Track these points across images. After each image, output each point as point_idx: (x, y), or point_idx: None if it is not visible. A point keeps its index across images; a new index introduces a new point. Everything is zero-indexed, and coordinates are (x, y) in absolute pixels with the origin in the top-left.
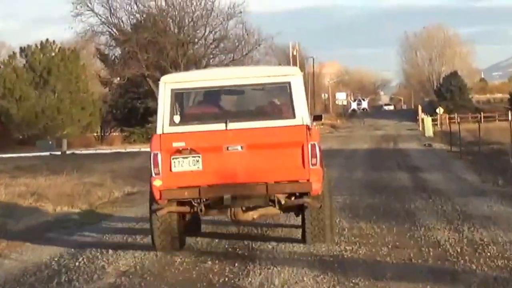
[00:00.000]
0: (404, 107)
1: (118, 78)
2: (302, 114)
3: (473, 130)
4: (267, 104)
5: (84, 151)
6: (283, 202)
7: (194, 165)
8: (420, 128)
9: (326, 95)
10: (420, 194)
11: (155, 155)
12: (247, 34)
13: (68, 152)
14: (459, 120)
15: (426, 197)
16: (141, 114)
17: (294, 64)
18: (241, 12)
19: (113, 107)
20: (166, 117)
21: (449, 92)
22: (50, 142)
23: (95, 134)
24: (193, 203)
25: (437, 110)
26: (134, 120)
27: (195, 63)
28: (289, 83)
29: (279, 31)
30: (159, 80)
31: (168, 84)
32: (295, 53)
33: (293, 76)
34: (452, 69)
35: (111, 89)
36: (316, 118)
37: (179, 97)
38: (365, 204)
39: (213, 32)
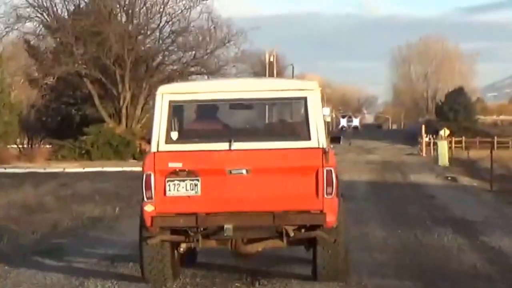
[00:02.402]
0: (395, 126)
1: (51, 78)
2: (319, 135)
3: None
4: (279, 122)
5: None
6: (292, 234)
7: (192, 189)
8: (424, 153)
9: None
10: None
11: (148, 177)
12: (214, 28)
13: None
14: (465, 144)
15: None
16: (77, 124)
17: (271, 72)
18: None
19: (42, 114)
20: (162, 133)
21: (453, 112)
22: None
23: (20, 146)
24: (189, 232)
25: (441, 132)
26: (69, 130)
27: (145, 61)
28: (305, 99)
29: (255, 26)
30: (98, 80)
31: (166, 95)
32: (272, 60)
33: (310, 92)
34: (450, 87)
35: (42, 91)
36: (334, 140)
37: (178, 110)
38: None
39: (170, 23)
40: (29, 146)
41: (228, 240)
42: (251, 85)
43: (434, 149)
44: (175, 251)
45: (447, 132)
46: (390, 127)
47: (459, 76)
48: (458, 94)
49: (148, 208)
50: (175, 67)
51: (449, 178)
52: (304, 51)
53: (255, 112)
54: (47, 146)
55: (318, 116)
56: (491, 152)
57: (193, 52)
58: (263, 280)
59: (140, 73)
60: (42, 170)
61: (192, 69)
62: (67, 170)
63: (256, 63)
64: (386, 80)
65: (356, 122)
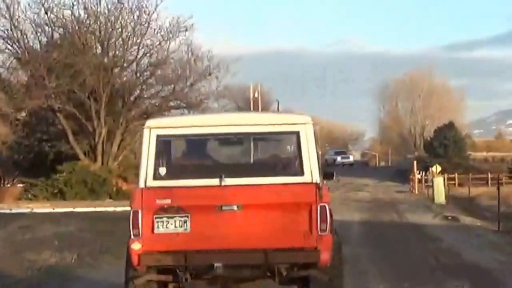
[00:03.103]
0: (382, 163)
1: (23, 113)
2: (312, 170)
3: (489, 195)
4: (271, 157)
5: None
6: (284, 273)
7: (181, 226)
8: (416, 191)
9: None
10: None
11: (135, 213)
12: (194, 60)
13: None
14: (458, 181)
15: None
16: (50, 161)
17: (255, 108)
18: (186, 30)
19: (14, 151)
20: (150, 169)
21: (443, 147)
22: None
23: None
24: (178, 271)
25: (433, 169)
26: (43, 168)
27: (122, 95)
28: (297, 133)
29: (237, 57)
30: (72, 114)
31: (154, 129)
32: (256, 96)
33: (303, 125)
34: (438, 123)
35: (13, 127)
36: (327, 176)
37: (166, 145)
38: None
39: (148, 55)
40: (3, 184)
41: (218, 280)
42: (242, 119)
43: (426, 186)
44: None
45: (439, 168)
46: (377, 164)
47: (447, 111)
48: (448, 129)
49: (135, 246)
50: (153, 101)
51: (450, 217)
52: (290, 87)
53: (246, 146)
54: (19, 185)
55: (311, 151)
56: (498, 189)
57: (172, 85)
58: None
59: (116, 107)
60: (8, 211)
61: (172, 103)
62: (35, 210)
63: (240, 99)
64: (373, 116)
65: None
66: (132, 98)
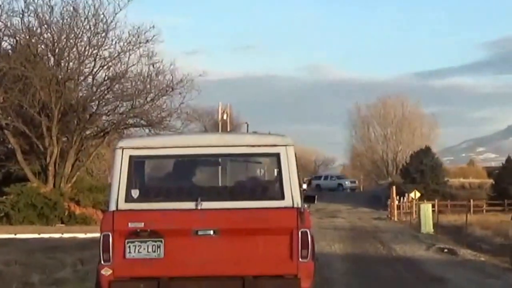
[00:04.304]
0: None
1: None
2: (293, 194)
3: (479, 224)
4: (250, 180)
5: None
6: None
7: (154, 251)
8: (395, 218)
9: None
10: None
11: (106, 237)
12: (156, 74)
13: None
14: (437, 208)
15: None
16: None
17: (224, 130)
18: (147, 41)
19: None
20: (122, 190)
21: (420, 173)
22: None
23: None
24: None
25: (411, 195)
26: None
27: (76, 111)
28: (277, 155)
29: (203, 72)
30: (22, 132)
31: (126, 150)
32: (225, 118)
33: (284, 147)
34: (411, 149)
35: None
36: (308, 199)
37: (139, 166)
38: None
39: (105, 67)
40: None
41: None
42: (220, 140)
43: (404, 213)
44: None
45: (418, 194)
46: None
47: (419, 138)
48: (424, 154)
49: (105, 272)
50: (110, 118)
51: (446, 250)
52: (259, 112)
53: (224, 168)
54: None
55: (292, 174)
56: (511, 219)
57: (132, 101)
58: None
59: (70, 124)
60: None
61: (131, 120)
62: None
63: (208, 122)
64: (344, 141)
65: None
66: (87, 115)
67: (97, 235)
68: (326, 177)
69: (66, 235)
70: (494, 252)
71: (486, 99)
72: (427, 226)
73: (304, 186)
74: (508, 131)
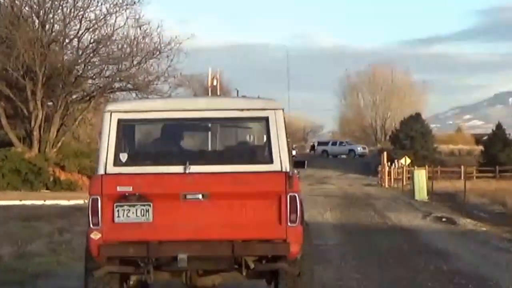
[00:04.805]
0: (344, 156)
1: None
2: (282, 158)
3: (474, 191)
4: (239, 144)
5: None
6: (252, 266)
7: (143, 215)
8: (386, 185)
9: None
10: None
11: (94, 201)
12: (143, 37)
13: None
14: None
15: None
16: None
17: (214, 96)
18: (134, 3)
19: None
20: (110, 154)
21: (409, 139)
22: None
23: None
24: (139, 262)
25: (402, 161)
26: None
27: (61, 75)
28: (266, 118)
29: (192, 35)
30: (6, 96)
31: (115, 113)
32: (215, 84)
33: (272, 111)
34: (400, 116)
35: None
36: (298, 164)
37: (128, 130)
38: None
39: (91, 30)
40: None
41: (182, 272)
42: (208, 104)
43: (395, 179)
44: (124, 284)
45: (408, 160)
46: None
47: (408, 105)
48: (414, 121)
49: (94, 236)
50: (96, 82)
51: (444, 219)
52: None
53: (213, 133)
54: None
55: (281, 138)
56: None
57: (118, 64)
58: None
59: (55, 88)
60: None
61: (117, 84)
62: None
63: (198, 89)
64: (334, 108)
65: (293, 152)
66: (72, 78)
67: (80, 202)
68: (334, 143)
69: (48, 202)
70: (493, 221)
71: (473, 67)
72: (421, 193)
73: (294, 152)
74: (495, 99)
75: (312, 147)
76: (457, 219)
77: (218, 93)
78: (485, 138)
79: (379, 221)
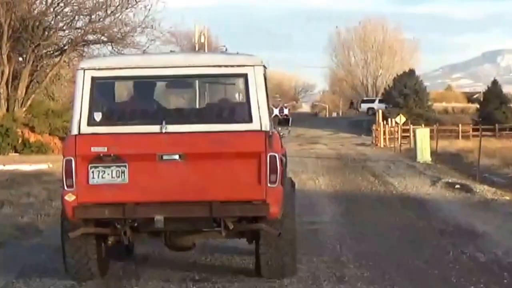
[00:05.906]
0: (334, 115)
1: None
2: (261, 116)
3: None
4: (217, 103)
5: None
6: (231, 227)
7: (118, 176)
8: (381, 144)
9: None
10: None
11: (68, 162)
12: None
13: None
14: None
15: None
16: None
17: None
18: None
19: None
20: (84, 113)
21: (403, 97)
22: None
23: None
24: (116, 224)
25: (397, 119)
26: None
27: (28, 27)
28: (245, 75)
29: None
30: None
31: (88, 71)
32: (203, 40)
33: (252, 68)
34: (391, 74)
35: None
36: (283, 122)
37: (102, 88)
38: None
39: None
40: None
41: (161, 232)
42: (186, 60)
43: (390, 138)
44: (103, 245)
45: (403, 119)
46: (327, 115)
47: (399, 62)
48: (408, 77)
49: (69, 197)
50: (67, 34)
51: (457, 186)
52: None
53: (191, 90)
54: None
55: (261, 96)
56: None
57: (90, 16)
58: (203, 273)
59: (23, 42)
60: None
61: (90, 36)
62: None
63: (185, 45)
64: (324, 67)
65: (286, 111)
66: (41, 30)
67: (44, 167)
68: (381, 100)
69: (8, 167)
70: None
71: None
72: (424, 154)
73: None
74: (484, 58)
75: (351, 104)
76: (473, 186)
77: (206, 50)
78: (476, 96)
79: (382, 189)
